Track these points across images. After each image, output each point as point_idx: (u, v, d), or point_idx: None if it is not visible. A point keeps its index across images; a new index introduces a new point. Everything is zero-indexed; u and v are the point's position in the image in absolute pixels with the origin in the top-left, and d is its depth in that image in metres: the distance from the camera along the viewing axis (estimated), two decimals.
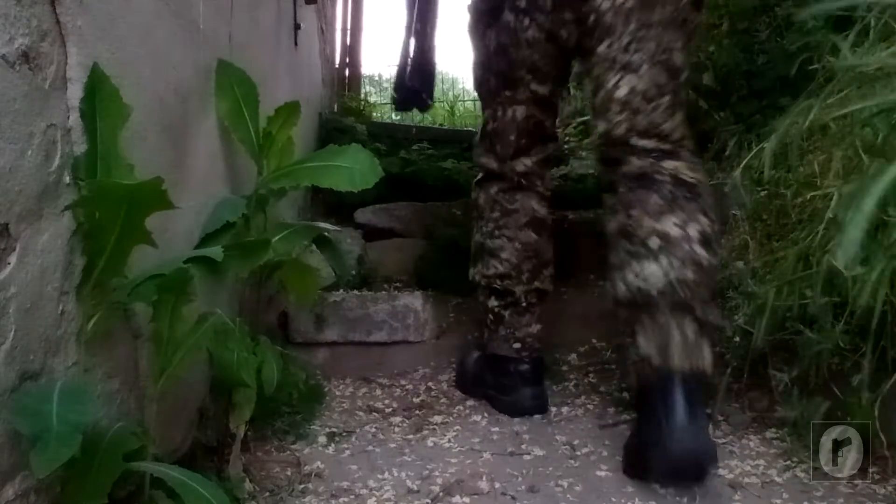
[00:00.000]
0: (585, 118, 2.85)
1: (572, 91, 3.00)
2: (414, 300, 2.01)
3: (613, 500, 1.31)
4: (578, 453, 1.49)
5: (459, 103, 5.46)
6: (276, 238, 1.49)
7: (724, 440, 1.51)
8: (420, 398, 1.82)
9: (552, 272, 1.74)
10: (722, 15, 2.39)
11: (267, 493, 1.32)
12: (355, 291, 2.09)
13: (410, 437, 1.59)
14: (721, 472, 1.38)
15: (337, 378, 1.93)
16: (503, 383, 1.73)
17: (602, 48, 1.43)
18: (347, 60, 4.65)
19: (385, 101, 5.15)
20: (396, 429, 1.64)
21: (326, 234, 1.76)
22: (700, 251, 1.33)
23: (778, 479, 1.35)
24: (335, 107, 4.05)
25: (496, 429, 1.63)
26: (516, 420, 1.66)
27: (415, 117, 4.14)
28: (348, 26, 4.66)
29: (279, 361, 1.43)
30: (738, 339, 1.65)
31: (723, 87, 2.25)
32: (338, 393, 1.85)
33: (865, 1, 1.30)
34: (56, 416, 0.77)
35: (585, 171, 2.67)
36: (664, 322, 1.32)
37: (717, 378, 1.65)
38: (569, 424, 1.64)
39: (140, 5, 1.10)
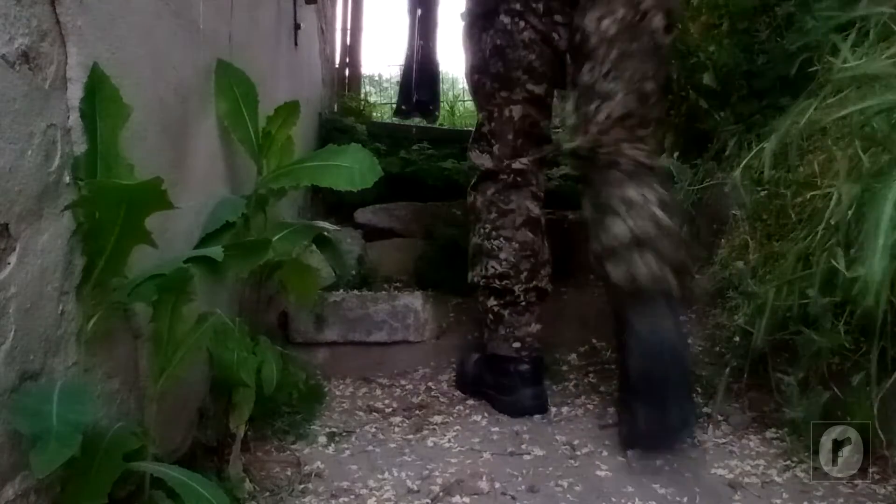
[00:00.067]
0: None
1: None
2: (414, 300, 2.01)
3: (613, 500, 1.31)
4: (578, 453, 1.49)
5: (459, 103, 5.45)
6: (276, 238, 1.49)
7: (724, 440, 1.51)
8: (420, 398, 1.82)
9: (550, 272, 1.75)
10: (722, 15, 2.39)
11: (267, 493, 1.32)
12: (355, 291, 2.09)
13: (410, 437, 1.59)
14: (721, 472, 1.38)
15: (337, 378, 1.93)
16: (503, 383, 1.73)
17: (584, 74, 1.59)
18: (347, 60, 4.65)
19: (385, 101, 5.15)
20: (396, 429, 1.64)
21: (326, 233, 1.76)
22: (658, 212, 1.52)
23: (778, 479, 1.35)
24: (335, 107, 4.05)
25: (496, 429, 1.63)
26: (516, 420, 1.66)
27: (415, 117, 4.14)
28: (348, 26, 4.66)
29: (279, 361, 1.43)
30: (738, 339, 1.65)
31: (723, 87, 2.25)
32: (338, 393, 1.85)
33: (866, 13, 1.32)
34: (56, 416, 0.77)
35: None
36: (631, 257, 1.51)
37: (717, 378, 1.66)
38: (569, 424, 1.64)
39: (140, 5, 1.10)
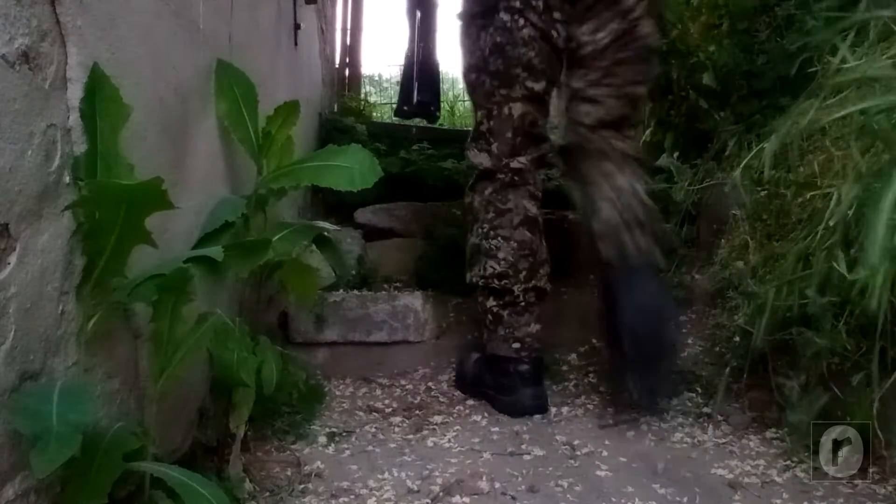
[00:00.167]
0: None
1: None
2: (414, 300, 2.01)
3: (613, 500, 1.31)
4: (578, 453, 1.49)
5: (459, 103, 5.46)
6: (276, 238, 1.49)
7: (724, 440, 1.51)
8: (420, 398, 1.82)
9: (548, 271, 1.75)
10: (722, 15, 2.39)
11: (267, 493, 1.32)
12: (355, 291, 2.09)
13: (410, 437, 1.59)
14: (721, 472, 1.38)
15: (337, 378, 1.93)
16: (503, 383, 1.73)
17: (577, 79, 1.70)
18: (347, 60, 4.66)
19: (385, 101, 5.15)
20: (396, 429, 1.64)
21: (326, 233, 1.76)
22: (645, 197, 1.69)
23: (778, 479, 1.35)
24: (335, 107, 4.05)
25: (496, 429, 1.63)
26: (516, 420, 1.66)
27: (415, 118, 4.14)
28: (348, 26, 4.66)
29: (279, 361, 1.43)
30: (738, 339, 1.65)
31: (723, 87, 2.25)
32: (338, 393, 1.85)
33: (868, 17, 1.32)
34: (56, 416, 0.77)
35: None
36: (621, 238, 1.65)
37: (717, 378, 1.66)
38: (569, 424, 1.64)
39: (140, 5, 1.10)
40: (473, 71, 1.74)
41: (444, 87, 5.57)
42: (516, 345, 1.72)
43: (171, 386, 1.07)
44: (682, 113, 2.44)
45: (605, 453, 1.49)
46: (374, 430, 1.63)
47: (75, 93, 0.91)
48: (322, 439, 1.56)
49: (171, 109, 1.24)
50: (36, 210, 0.83)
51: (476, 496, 1.32)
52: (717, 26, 2.41)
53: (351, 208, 2.61)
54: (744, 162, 1.74)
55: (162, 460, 1.08)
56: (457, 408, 1.76)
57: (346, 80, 4.60)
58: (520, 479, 1.38)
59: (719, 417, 1.58)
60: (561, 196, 2.35)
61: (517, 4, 1.63)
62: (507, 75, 1.67)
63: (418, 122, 3.54)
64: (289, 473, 1.40)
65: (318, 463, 1.45)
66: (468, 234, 1.80)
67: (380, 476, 1.40)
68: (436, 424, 1.66)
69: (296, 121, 1.55)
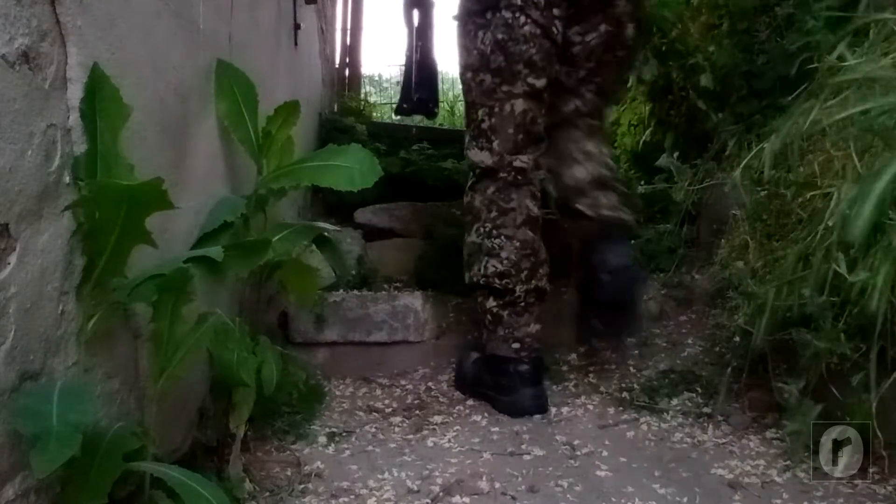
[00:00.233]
0: None
1: None
2: (414, 300, 2.01)
3: (613, 500, 1.31)
4: (578, 453, 1.49)
5: (459, 103, 5.45)
6: (276, 238, 1.49)
7: (724, 440, 1.51)
8: (420, 398, 1.82)
9: (548, 271, 1.75)
10: (722, 15, 2.39)
11: (267, 493, 1.32)
12: (355, 291, 2.09)
13: (410, 437, 1.59)
14: (721, 472, 1.38)
15: (337, 378, 1.93)
16: (502, 384, 1.73)
17: (562, 74, 1.80)
18: (347, 60, 4.66)
19: (385, 101, 5.15)
20: (396, 429, 1.64)
21: (326, 234, 1.76)
22: (611, 162, 1.87)
23: (778, 479, 1.35)
24: (335, 107, 4.05)
25: (496, 429, 1.63)
26: (516, 420, 1.66)
27: (415, 117, 4.14)
28: (348, 26, 4.67)
29: (279, 361, 1.43)
30: (738, 339, 1.65)
31: (723, 87, 2.25)
32: (338, 393, 1.85)
33: (869, 19, 1.32)
34: (56, 416, 0.77)
35: None
36: (594, 193, 1.81)
37: (717, 378, 1.66)
38: (569, 424, 1.64)
39: (140, 5, 1.10)
40: (471, 69, 1.74)
41: (444, 86, 5.58)
42: (516, 345, 1.72)
43: (171, 386, 1.07)
44: (682, 113, 2.45)
45: (605, 453, 1.49)
46: (374, 430, 1.63)
47: (75, 93, 0.91)
48: (322, 439, 1.56)
49: (171, 109, 1.24)
50: (36, 210, 0.83)
51: (476, 496, 1.32)
52: (716, 26, 2.41)
53: (351, 208, 2.61)
54: (744, 162, 1.73)
55: (162, 460, 1.08)
56: (457, 408, 1.76)
57: (346, 80, 4.60)
58: (520, 479, 1.38)
59: (719, 417, 1.58)
60: None
61: (519, 2, 1.65)
62: (508, 72, 1.68)
63: (419, 121, 3.55)
64: (289, 473, 1.41)
65: (318, 463, 1.46)
66: (466, 233, 1.80)
67: (380, 476, 1.40)
68: (436, 424, 1.66)
69: (296, 121, 1.55)
